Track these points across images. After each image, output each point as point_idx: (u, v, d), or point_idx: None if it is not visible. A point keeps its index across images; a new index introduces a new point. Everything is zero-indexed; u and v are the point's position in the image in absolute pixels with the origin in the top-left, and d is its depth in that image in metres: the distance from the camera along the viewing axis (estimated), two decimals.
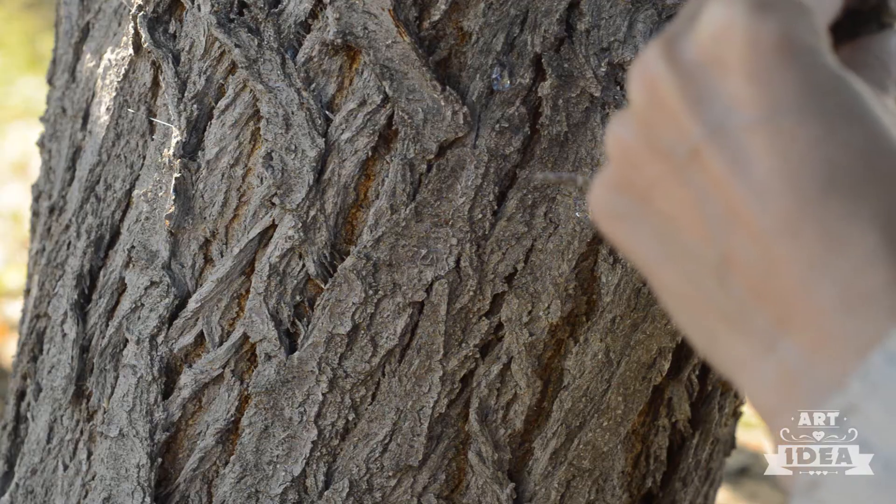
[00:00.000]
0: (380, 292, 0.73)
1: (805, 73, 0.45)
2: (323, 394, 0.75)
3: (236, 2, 0.73)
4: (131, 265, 0.78)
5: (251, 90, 0.73)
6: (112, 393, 0.79)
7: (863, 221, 0.42)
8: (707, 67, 0.46)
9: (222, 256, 0.75)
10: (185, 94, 0.75)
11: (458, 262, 0.73)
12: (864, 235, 0.42)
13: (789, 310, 0.42)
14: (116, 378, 0.79)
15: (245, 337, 0.75)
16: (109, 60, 0.82)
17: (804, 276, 0.42)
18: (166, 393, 0.77)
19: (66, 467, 0.82)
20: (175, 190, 0.75)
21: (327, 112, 0.72)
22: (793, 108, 0.45)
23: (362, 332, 0.74)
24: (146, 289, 0.77)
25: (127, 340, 0.78)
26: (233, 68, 0.74)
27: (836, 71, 0.45)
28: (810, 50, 0.46)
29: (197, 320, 0.76)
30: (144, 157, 0.79)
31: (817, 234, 0.42)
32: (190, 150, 0.75)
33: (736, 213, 0.44)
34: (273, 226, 0.74)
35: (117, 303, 0.80)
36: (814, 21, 0.46)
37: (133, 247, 0.78)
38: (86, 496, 0.80)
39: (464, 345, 0.75)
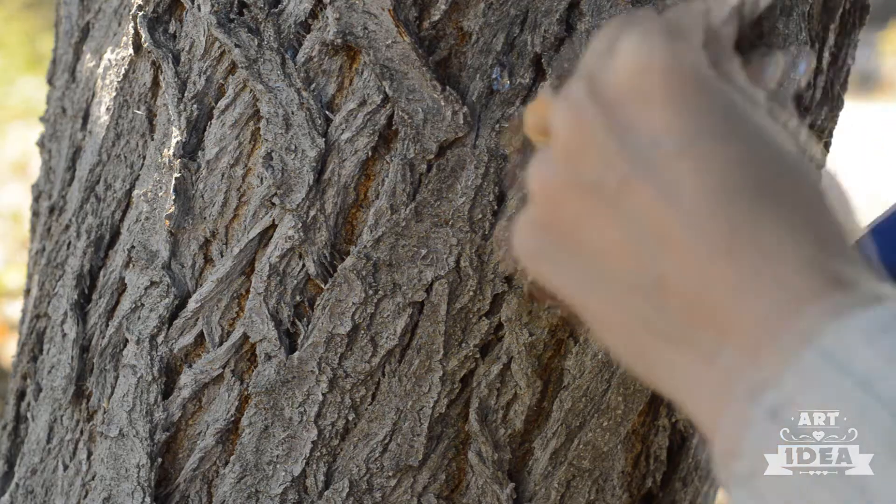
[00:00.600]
0: (380, 292, 0.73)
1: (718, 100, 0.48)
2: (323, 394, 0.75)
3: (236, 2, 0.73)
4: (131, 265, 0.78)
5: (251, 90, 0.73)
6: (112, 393, 0.79)
7: (796, 232, 0.44)
8: (628, 101, 0.48)
9: (222, 256, 0.75)
10: (185, 94, 0.75)
11: (458, 262, 0.73)
12: (799, 246, 0.44)
13: (729, 321, 0.44)
14: (116, 378, 0.79)
15: (245, 337, 0.75)
16: (109, 60, 0.82)
17: (743, 289, 0.43)
18: (166, 393, 0.77)
19: (66, 467, 0.82)
20: (175, 190, 0.75)
21: (327, 112, 0.72)
22: (714, 133, 0.47)
23: (362, 332, 0.74)
24: (146, 289, 0.77)
25: (127, 340, 0.78)
26: (233, 68, 0.74)
27: (741, 96, 0.48)
28: (715, 78, 0.49)
29: (197, 320, 0.76)
30: (144, 157, 0.79)
31: (752, 248, 0.44)
32: (190, 150, 0.75)
33: (669, 238, 0.45)
34: (273, 226, 0.74)
35: (117, 303, 0.80)
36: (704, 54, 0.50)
37: (133, 247, 0.78)
38: (86, 496, 0.80)
39: (464, 345, 0.75)
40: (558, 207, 0.49)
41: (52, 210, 0.88)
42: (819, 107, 0.81)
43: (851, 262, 0.44)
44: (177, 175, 0.75)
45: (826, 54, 0.79)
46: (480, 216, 0.72)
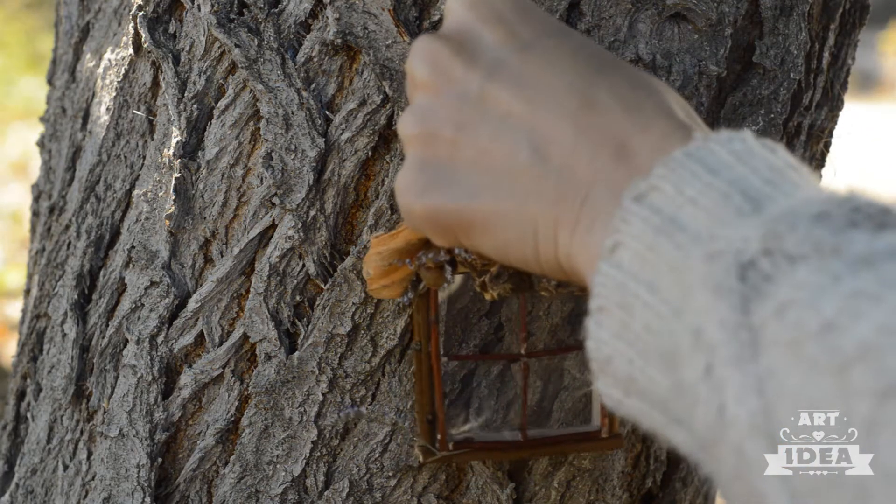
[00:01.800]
0: None
1: (543, 13, 0.58)
2: (323, 394, 0.75)
3: (236, 2, 0.73)
4: (131, 265, 0.78)
5: (251, 90, 0.73)
6: (112, 393, 0.79)
7: (644, 87, 0.54)
8: (468, 29, 0.57)
9: (222, 256, 0.75)
10: (185, 94, 0.75)
11: None
12: (651, 95, 0.54)
13: (602, 159, 0.52)
14: (116, 378, 0.79)
15: (245, 337, 0.75)
16: (109, 60, 0.82)
17: (616, 127, 0.52)
18: (166, 393, 0.77)
19: (66, 467, 0.82)
20: (175, 190, 0.75)
21: (327, 112, 0.72)
22: (552, 31, 0.57)
23: (362, 332, 0.74)
24: (146, 289, 0.77)
25: (127, 340, 0.78)
26: (233, 68, 0.74)
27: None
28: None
29: (197, 320, 0.76)
30: (144, 157, 0.79)
31: (613, 99, 0.53)
32: (190, 150, 0.75)
33: (535, 118, 0.53)
34: (273, 226, 0.74)
35: (117, 303, 0.80)
36: None
37: (133, 247, 0.78)
38: (86, 496, 0.80)
39: (464, 345, 0.75)
40: (431, 139, 0.57)
41: (52, 210, 0.88)
42: (819, 107, 0.81)
43: (690, 117, 0.53)
44: (177, 175, 0.75)
45: (826, 54, 0.79)
46: None
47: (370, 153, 0.72)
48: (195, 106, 0.75)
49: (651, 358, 0.48)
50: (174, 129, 0.75)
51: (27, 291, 0.92)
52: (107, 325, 0.80)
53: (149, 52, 0.77)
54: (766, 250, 0.44)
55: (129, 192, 0.80)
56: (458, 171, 0.56)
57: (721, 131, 0.50)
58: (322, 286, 0.74)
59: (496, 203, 0.55)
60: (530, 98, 0.54)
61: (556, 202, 0.53)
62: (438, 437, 0.70)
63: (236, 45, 0.72)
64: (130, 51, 0.79)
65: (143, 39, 0.77)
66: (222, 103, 0.74)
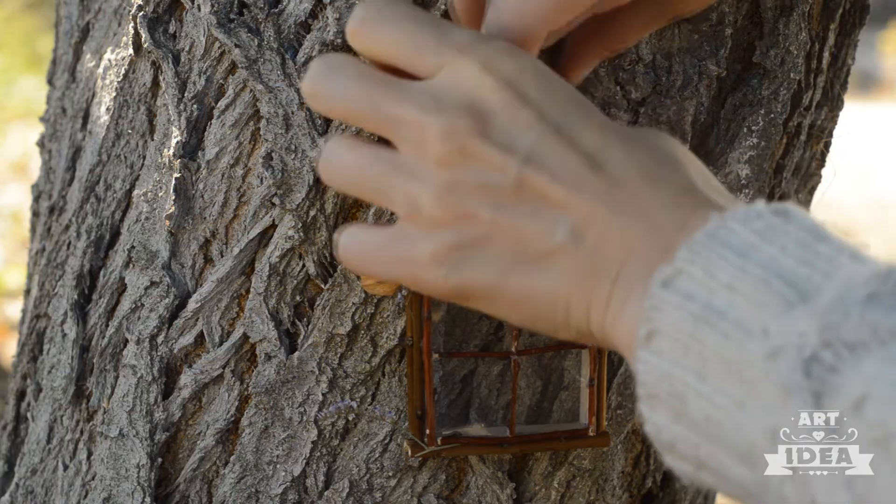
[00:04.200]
0: None
1: (565, 86, 0.58)
2: (323, 394, 0.75)
3: (236, 2, 0.73)
4: (131, 265, 0.78)
5: (251, 90, 0.73)
6: (112, 393, 0.79)
7: (668, 161, 0.56)
8: (487, 101, 0.56)
9: (222, 256, 0.75)
10: (185, 94, 0.75)
11: None
12: (675, 170, 0.55)
13: (634, 237, 0.53)
14: (116, 378, 0.79)
15: (245, 337, 0.75)
16: (109, 60, 0.82)
17: (645, 208, 0.53)
18: (166, 393, 0.77)
19: (66, 467, 0.82)
20: (175, 190, 0.75)
21: None
22: (574, 106, 0.57)
23: (362, 332, 0.74)
24: (146, 289, 0.77)
25: (127, 340, 0.78)
26: (233, 68, 0.74)
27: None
28: (549, 70, 0.58)
29: (197, 320, 0.76)
30: (144, 157, 0.79)
31: (641, 177, 0.54)
32: (190, 150, 0.75)
33: (570, 200, 0.54)
34: (273, 226, 0.74)
35: (117, 303, 0.80)
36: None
37: (133, 247, 0.78)
38: (86, 496, 0.81)
39: (464, 345, 0.75)
40: (465, 219, 0.56)
41: (52, 210, 0.88)
42: (819, 107, 0.81)
43: (716, 193, 0.55)
44: (177, 175, 0.75)
45: (826, 54, 0.79)
46: None
47: None
48: (195, 106, 0.75)
49: (719, 446, 0.49)
50: (174, 129, 0.75)
51: (27, 291, 0.92)
52: (107, 325, 0.80)
53: (149, 52, 0.77)
54: (825, 342, 0.45)
55: (129, 192, 0.80)
56: (490, 250, 0.56)
57: (737, 207, 0.51)
58: (322, 286, 0.74)
59: (529, 282, 0.56)
60: (566, 181, 0.54)
61: (588, 280, 0.54)
62: (427, 431, 0.71)
63: (236, 45, 0.72)
64: (130, 51, 0.79)
65: (143, 39, 0.77)
66: (222, 103, 0.74)
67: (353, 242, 0.61)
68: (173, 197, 0.75)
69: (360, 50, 0.60)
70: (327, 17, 0.71)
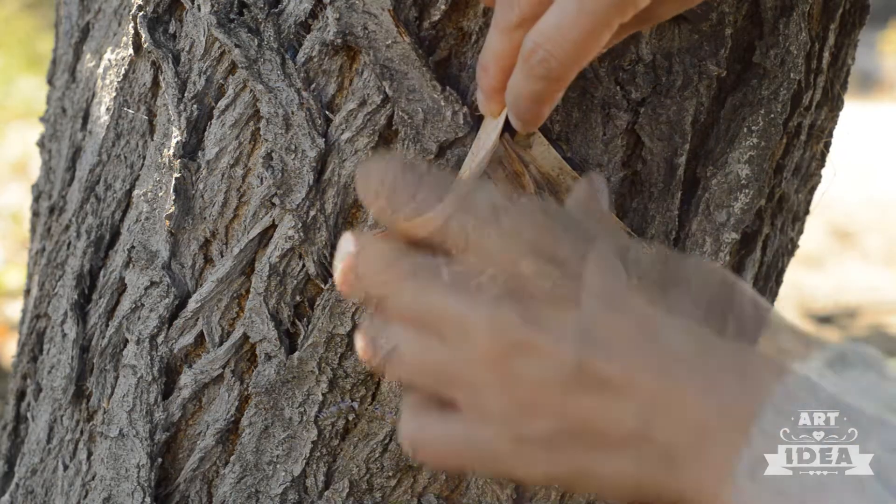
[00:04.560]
0: None
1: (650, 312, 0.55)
2: (323, 394, 0.75)
3: (236, 2, 0.73)
4: (131, 265, 0.78)
5: (251, 90, 0.73)
6: (112, 393, 0.79)
7: (725, 367, 0.53)
8: (521, 275, 0.54)
9: (222, 256, 0.75)
10: (185, 94, 0.75)
11: None
12: (737, 371, 0.52)
13: (705, 424, 0.51)
14: (116, 378, 0.79)
15: (245, 337, 0.75)
16: (109, 60, 0.82)
17: (713, 396, 0.52)
18: (166, 393, 0.77)
19: (66, 467, 0.82)
20: (175, 190, 0.75)
21: (327, 112, 0.72)
22: (647, 341, 0.54)
23: None
24: (146, 289, 0.77)
25: (127, 340, 0.78)
26: (233, 68, 0.74)
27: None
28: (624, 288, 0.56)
29: (197, 320, 0.76)
30: (144, 157, 0.79)
31: (685, 343, 0.53)
32: (190, 150, 0.75)
33: (632, 380, 0.53)
34: (273, 226, 0.74)
35: (117, 303, 0.80)
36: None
37: (133, 247, 0.78)
38: (86, 496, 0.81)
39: None
40: (534, 411, 0.55)
41: (52, 210, 0.88)
42: (819, 107, 0.81)
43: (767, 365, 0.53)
44: (177, 175, 0.75)
45: (826, 54, 0.79)
46: None
47: (370, 153, 0.72)
48: (195, 106, 0.75)
49: None
50: (174, 129, 0.75)
51: (27, 291, 0.92)
52: (107, 325, 0.80)
53: (149, 52, 0.77)
54: None
55: (129, 192, 0.80)
56: (580, 441, 0.55)
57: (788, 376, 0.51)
58: (322, 286, 0.74)
59: (602, 468, 0.55)
60: (625, 365, 0.53)
61: (667, 464, 0.53)
62: None
63: (236, 45, 0.72)
64: (130, 51, 0.79)
65: (143, 39, 0.77)
66: (222, 103, 0.74)
67: (425, 439, 0.58)
68: (173, 197, 0.75)
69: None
70: (327, 17, 0.71)
